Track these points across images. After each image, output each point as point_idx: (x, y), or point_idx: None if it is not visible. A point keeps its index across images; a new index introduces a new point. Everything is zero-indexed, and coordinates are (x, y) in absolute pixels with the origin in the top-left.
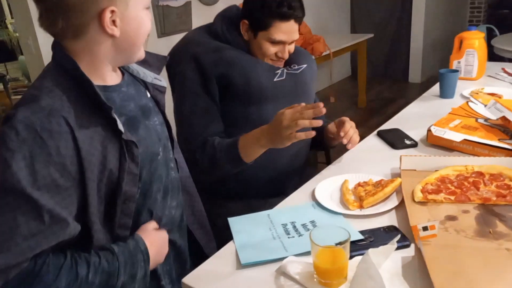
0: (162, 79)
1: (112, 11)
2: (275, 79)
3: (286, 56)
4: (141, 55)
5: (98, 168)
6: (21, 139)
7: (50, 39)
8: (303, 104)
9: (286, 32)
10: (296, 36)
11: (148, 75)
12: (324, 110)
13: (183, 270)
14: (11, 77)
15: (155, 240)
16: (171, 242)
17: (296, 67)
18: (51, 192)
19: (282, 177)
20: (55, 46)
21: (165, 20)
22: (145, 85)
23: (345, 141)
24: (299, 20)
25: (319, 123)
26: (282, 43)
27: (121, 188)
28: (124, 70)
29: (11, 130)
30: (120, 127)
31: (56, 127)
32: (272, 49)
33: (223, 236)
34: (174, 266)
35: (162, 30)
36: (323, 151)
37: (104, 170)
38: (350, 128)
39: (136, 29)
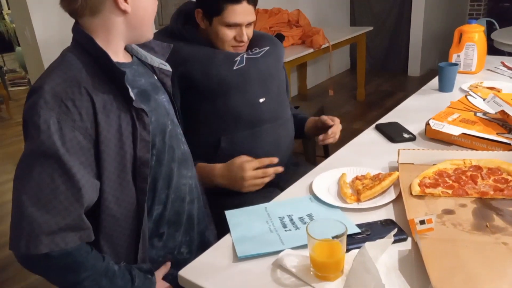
0: (167, 65)
1: None
2: (234, 67)
3: (245, 38)
4: (150, 35)
5: (114, 135)
6: (49, 107)
7: (47, 30)
8: (263, 160)
9: (240, 13)
10: (251, 17)
11: (155, 60)
12: (281, 169)
13: (203, 240)
14: (8, 68)
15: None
16: (191, 215)
17: (258, 50)
18: (77, 154)
19: (268, 167)
20: (75, 28)
21: (163, 11)
22: (152, 69)
23: (321, 138)
24: (251, 1)
25: (278, 170)
26: (238, 25)
27: (135, 154)
28: (133, 54)
29: (40, 99)
30: (131, 94)
31: (78, 96)
32: (229, 34)
33: (219, 232)
34: (194, 237)
35: (160, 21)
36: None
37: (120, 137)
38: (337, 131)
39: (144, 7)
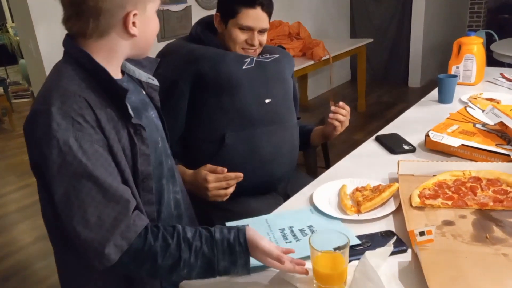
0: (154, 79)
1: (135, 14)
2: (243, 67)
3: (256, 43)
4: (149, 52)
5: (117, 147)
6: (63, 128)
7: (50, 42)
8: (225, 171)
9: (253, 18)
10: (264, 24)
11: (142, 74)
12: (241, 175)
13: None
14: (11, 80)
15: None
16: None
17: (268, 56)
18: (104, 165)
19: (273, 167)
20: (67, 42)
21: (165, 24)
22: (140, 83)
23: (331, 116)
24: (266, 9)
25: (238, 176)
26: (250, 29)
27: (137, 169)
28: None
29: (53, 122)
30: (130, 111)
31: (85, 110)
32: (241, 36)
33: None
34: None
35: (162, 34)
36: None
37: (124, 151)
38: (346, 113)
39: (151, 29)
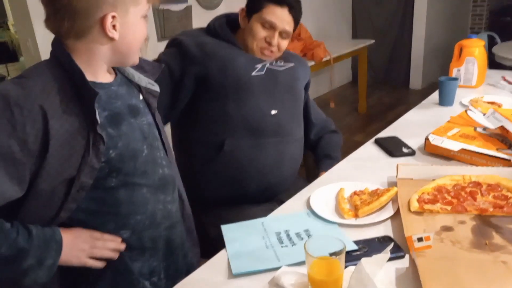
0: (155, 85)
1: (113, 17)
2: (253, 73)
3: (275, 43)
4: (135, 60)
5: (62, 155)
6: None
7: (49, 40)
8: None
9: (278, 16)
10: (288, 27)
11: (142, 79)
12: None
13: (183, 264)
14: (11, 78)
15: (75, 236)
16: (170, 240)
17: (282, 63)
18: (5, 162)
19: (271, 179)
20: (54, 42)
21: (165, 24)
22: (139, 88)
23: None
24: (293, 12)
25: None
26: (272, 27)
27: (78, 178)
28: (120, 73)
29: None
30: (98, 117)
31: (28, 106)
32: (262, 33)
33: (216, 247)
34: (173, 262)
35: (163, 33)
36: None
37: (68, 159)
38: None
39: (133, 34)
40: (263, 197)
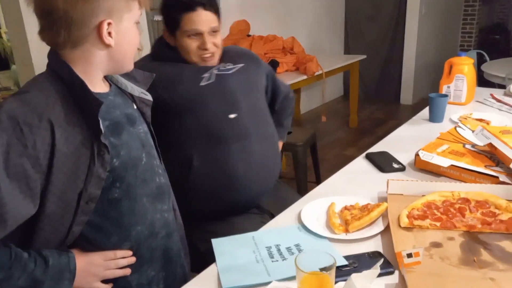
0: (148, 94)
1: (109, 24)
2: (202, 83)
3: (208, 46)
4: (130, 66)
5: (69, 168)
6: (2, 128)
7: (42, 49)
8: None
9: (197, 21)
10: (212, 24)
11: (135, 89)
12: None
13: (181, 273)
14: (2, 86)
15: (88, 262)
16: (168, 249)
17: (231, 66)
18: (19, 181)
19: (247, 183)
20: (51, 54)
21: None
22: (132, 98)
23: None
24: (208, 7)
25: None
26: (199, 34)
27: (86, 189)
28: (112, 83)
29: None
30: (101, 127)
31: (36, 122)
32: (192, 44)
33: (207, 261)
34: (172, 271)
35: None
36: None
37: (75, 171)
38: None
39: (128, 40)
40: (247, 204)
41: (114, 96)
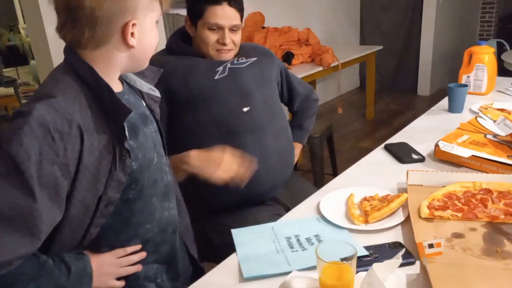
0: (156, 90)
1: (134, 24)
2: (216, 77)
3: (227, 41)
4: (146, 65)
5: (91, 173)
6: (34, 136)
7: (61, 44)
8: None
9: (220, 15)
10: (234, 21)
11: (144, 85)
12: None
13: (185, 265)
14: (22, 81)
15: (100, 263)
16: (173, 244)
17: (244, 60)
18: (50, 189)
19: (260, 176)
20: (68, 51)
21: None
22: (141, 94)
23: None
24: (234, 4)
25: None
26: (220, 28)
27: (106, 193)
28: (122, 79)
29: (26, 125)
30: (126, 133)
31: (67, 129)
32: (212, 37)
33: (221, 254)
34: (173, 265)
35: None
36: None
37: (96, 176)
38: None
39: (149, 40)
40: (261, 196)
41: (128, 95)
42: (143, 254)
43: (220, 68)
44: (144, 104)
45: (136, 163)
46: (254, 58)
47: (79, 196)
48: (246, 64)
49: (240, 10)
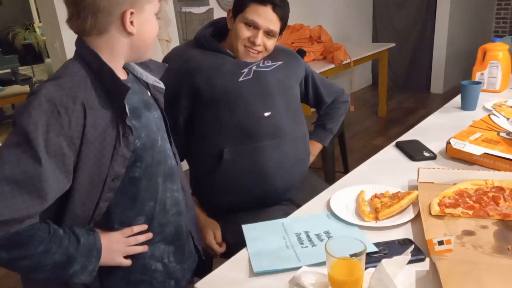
0: (160, 82)
1: (132, 13)
2: (240, 79)
3: (258, 41)
4: (149, 55)
5: (96, 147)
6: (42, 110)
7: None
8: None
9: (261, 15)
10: (272, 26)
11: (149, 77)
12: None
13: (190, 250)
14: (37, 79)
15: (110, 241)
16: (178, 226)
17: (270, 63)
18: (56, 158)
19: (276, 181)
20: (78, 42)
21: (187, 26)
22: (147, 85)
23: None
24: (277, 10)
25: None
26: (256, 28)
27: (112, 167)
28: (129, 71)
29: (35, 100)
30: (127, 111)
31: (71, 105)
32: (245, 32)
33: (233, 252)
34: (178, 247)
35: (184, 36)
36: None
37: (101, 150)
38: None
39: (148, 30)
40: (272, 200)
41: (132, 83)
42: (149, 235)
43: (246, 70)
44: (149, 94)
45: (139, 141)
46: (280, 62)
47: (86, 168)
48: (271, 68)
49: (282, 19)
